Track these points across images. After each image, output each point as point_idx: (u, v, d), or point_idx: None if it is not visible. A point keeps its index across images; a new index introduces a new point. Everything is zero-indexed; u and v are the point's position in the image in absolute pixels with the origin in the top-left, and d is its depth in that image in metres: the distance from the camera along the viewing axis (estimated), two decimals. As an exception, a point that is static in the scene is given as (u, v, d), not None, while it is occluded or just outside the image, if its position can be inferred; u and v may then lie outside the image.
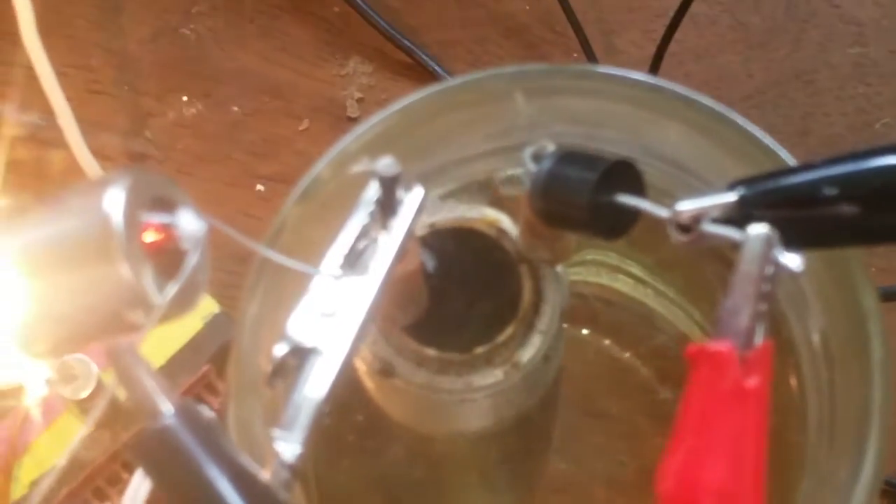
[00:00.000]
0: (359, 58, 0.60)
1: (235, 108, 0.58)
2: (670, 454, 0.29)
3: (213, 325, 0.46)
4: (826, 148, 0.56)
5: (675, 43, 0.55)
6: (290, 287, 0.33)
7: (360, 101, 0.58)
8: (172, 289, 0.28)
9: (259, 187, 0.57)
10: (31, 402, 0.41)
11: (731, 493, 0.28)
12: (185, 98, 0.59)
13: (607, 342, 0.49)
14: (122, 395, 0.44)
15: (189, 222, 0.29)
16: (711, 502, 0.28)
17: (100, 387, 0.43)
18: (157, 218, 0.28)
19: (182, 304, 0.29)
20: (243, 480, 0.27)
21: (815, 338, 0.34)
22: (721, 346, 0.28)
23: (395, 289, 0.34)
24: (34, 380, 0.39)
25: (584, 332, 0.49)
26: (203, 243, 0.29)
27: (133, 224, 0.27)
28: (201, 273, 0.30)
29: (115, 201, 0.27)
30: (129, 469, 0.44)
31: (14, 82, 0.59)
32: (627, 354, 0.49)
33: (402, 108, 0.36)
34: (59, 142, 0.53)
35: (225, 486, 0.27)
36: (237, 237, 0.31)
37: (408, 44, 0.59)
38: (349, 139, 0.36)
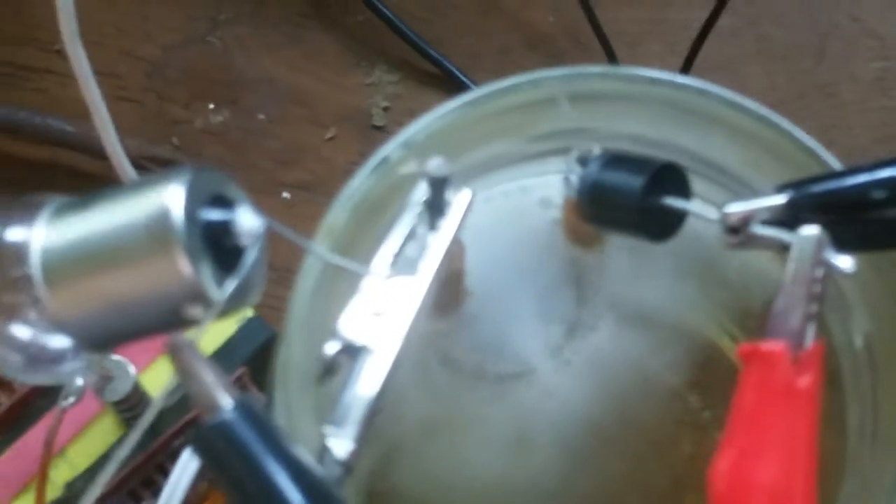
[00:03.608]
0: (385, 67, 0.60)
1: (261, 116, 0.59)
2: (722, 453, 0.29)
3: (248, 329, 0.46)
4: (849, 160, 0.56)
5: (698, 54, 0.55)
6: (339, 287, 0.34)
7: (386, 109, 0.59)
8: (231, 284, 0.28)
9: (285, 195, 0.57)
10: (67, 403, 0.41)
11: (782, 492, 0.28)
12: (211, 105, 0.59)
13: (637, 351, 0.49)
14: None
15: (247, 219, 0.29)
16: (763, 500, 0.28)
17: (136, 389, 0.43)
18: (216, 214, 0.29)
19: (240, 299, 0.29)
20: (302, 475, 0.27)
21: (859, 342, 0.35)
22: (774, 345, 0.29)
23: (438, 289, 0.34)
24: (71, 380, 0.39)
25: (614, 346, 0.49)
26: (261, 239, 0.29)
27: (192, 220, 0.28)
28: (259, 269, 0.30)
29: (175, 197, 0.27)
30: (164, 472, 0.44)
31: (44, 88, 0.59)
32: (656, 362, 0.49)
33: (447, 112, 0.36)
34: (93, 148, 0.53)
35: (284, 480, 0.27)
36: (292, 236, 0.31)
37: (434, 53, 0.59)
38: (393, 145, 0.36)
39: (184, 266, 0.27)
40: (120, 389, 0.42)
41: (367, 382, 0.31)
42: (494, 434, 0.38)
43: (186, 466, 0.42)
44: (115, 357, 0.42)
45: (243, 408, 0.28)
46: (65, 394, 0.42)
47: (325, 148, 0.58)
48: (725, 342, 0.46)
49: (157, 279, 0.28)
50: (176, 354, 0.28)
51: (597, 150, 0.34)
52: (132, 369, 0.42)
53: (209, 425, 0.28)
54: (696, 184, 0.35)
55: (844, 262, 0.29)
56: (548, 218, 0.38)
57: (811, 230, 0.29)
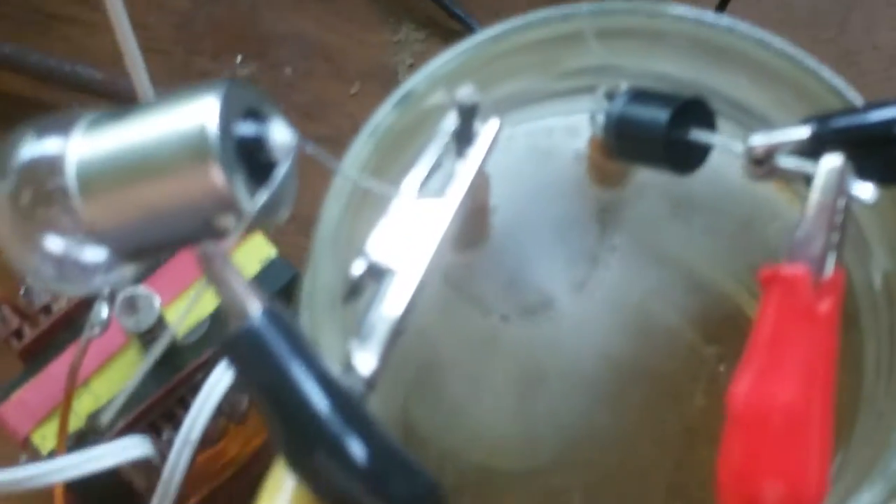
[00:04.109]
0: (412, 25, 0.60)
1: (288, 70, 0.59)
2: (741, 375, 0.29)
3: (271, 270, 0.47)
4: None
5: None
6: (364, 213, 0.34)
7: (411, 66, 0.59)
8: (262, 195, 0.29)
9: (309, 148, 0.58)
10: (92, 333, 0.42)
11: (800, 412, 0.29)
12: (239, 58, 0.60)
13: (656, 298, 0.50)
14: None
15: (280, 133, 0.30)
16: (781, 420, 0.29)
17: (161, 322, 0.43)
18: (250, 128, 0.29)
19: (270, 212, 0.30)
20: (328, 382, 0.28)
21: (878, 281, 0.35)
22: (795, 269, 0.29)
23: (461, 223, 0.35)
24: (103, 291, 0.39)
25: (633, 296, 0.50)
26: (293, 154, 0.30)
27: (227, 132, 0.28)
28: (289, 184, 0.30)
29: (210, 109, 0.28)
30: (185, 405, 0.44)
31: (70, 37, 0.60)
32: (674, 318, 0.50)
33: (472, 45, 0.37)
34: (120, 95, 0.54)
35: (310, 386, 0.28)
36: (322, 157, 0.32)
37: (460, 12, 0.59)
38: (418, 78, 0.37)
39: (218, 177, 0.28)
40: (144, 321, 0.43)
41: (391, 303, 0.31)
42: (514, 367, 0.39)
43: (207, 400, 0.43)
44: (142, 289, 0.43)
45: (272, 315, 0.28)
46: (90, 324, 0.42)
47: (349, 103, 0.59)
48: (745, 299, 0.47)
49: (191, 189, 0.28)
50: (207, 262, 0.29)
51: (623, 86, 0.34)
52: (157, 301, 0.43)
53: (238, 331, 0.28)
54: (722, 125, 0.35)
55: (866, 191, 0.29)
56: (573, 157, 0.38)
57: (834, 160, 0.30)
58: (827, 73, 0.34)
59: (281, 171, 0.29)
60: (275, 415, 0.28)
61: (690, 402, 0.49)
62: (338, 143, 0.60)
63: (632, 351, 0.48)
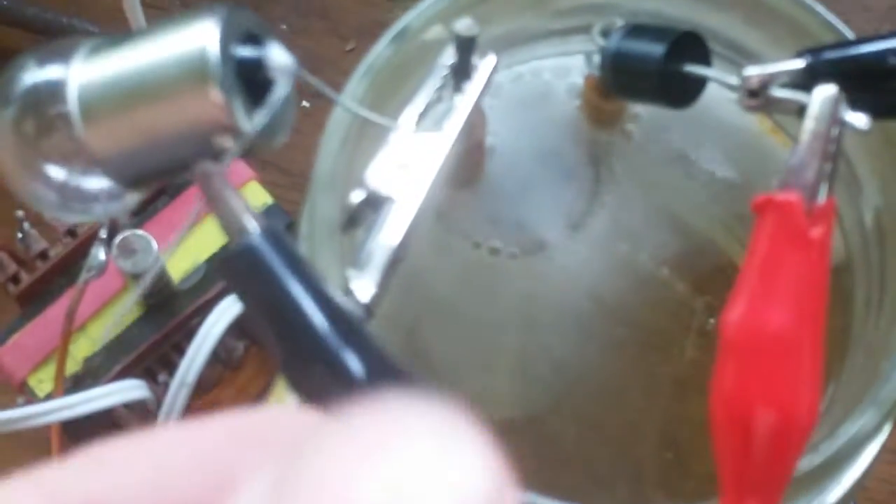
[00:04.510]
0: (407, -18, 0.61)
1: (284, 27, 0.60)
2: (733, 301, 0.30)
3: (267, 216, 0.47)
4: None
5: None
6: (362, 146, 0.34)
7: (406, 24, 0.59)
8: (261, 116, 0.29)
9: (305, 104, 0.58)
10: (89, 275, 0.42)
11: (792, 337, 0.29)
12: (235, 15, 0.60)
13: (645, 257, 0.50)
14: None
15: (278, 55, 0.30)
16: (774, 345, 0.29)
17: (158, 264, 0.44)
18: (249, 50, 0.29)
19: (268, 135, 0.30)
20: (326, 300, 0.28)
21: (868, 219, 0.35)
22: (788, 195, 0.29)
23: (458, 160, 0.35)
24: (105, 218, 0.39)
25: (624, 246, 0.50)
26: (292, 75, 0.30)
27: (226, 54, 0.28)
28: (287, 109, 0.31)
29: (210, 32, 0.28)
30: (180, 351, 0.45)
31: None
32: (665, 270, 0.50)
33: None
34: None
35: (308, 303, 0.28)
36: (316, 83, 0.32)
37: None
38: (413, 13, 0.37)
39: (218, 98, 0.28)
40: (141, 263, 0.43)
41: (390, 230, 0.32)
42: (510, 305, 0.39)
43: (203, 343, 0.43)
44: (140, 232, 0.43)
45: (270, 233, 0.29)
46: (87, 267, 0.43)
47: (345, 60, 0.59)
48: (737, 251, 0.47)
49: (191, 111, 0.28)
50: (205, 181, 0.29)
51: (619, 23, 0.35)
52: (154, 243, 0.43)
53: (236, 249, 0.28)
54: (717, 65, 0.36)
55: (859, 119, 0.30)
56: (568, 97, 0.39)
57: (828, 89, 0.30)
58: (821, 9, 0.35)
59: (280, 92, 0.30)
60: (274, 332, 0.28)
61: (681, 354, 0.49)
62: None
63: (622, 298, 0.48)
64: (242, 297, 0.29)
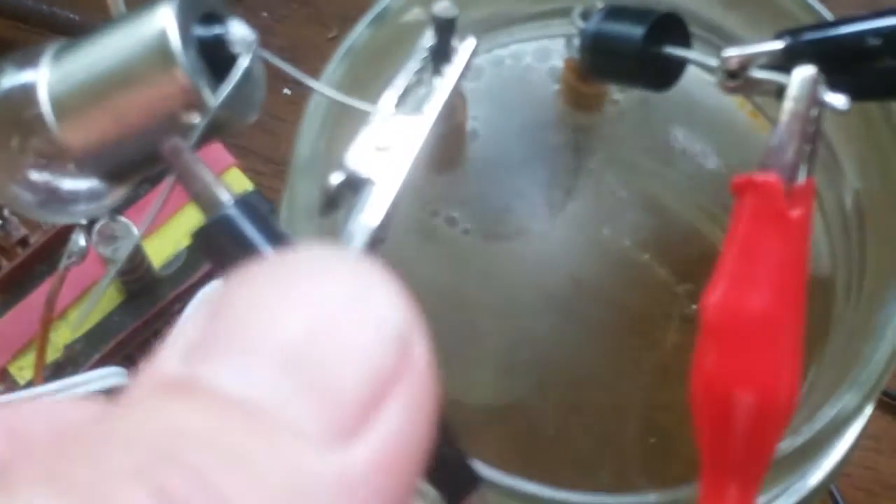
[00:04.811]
0: (389, -31, 0.60)
1: (265, 14, 0.59)
2: (714, 284, 0.30)
3: (248, 202, 0.47)
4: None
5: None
6: (344, 124, 0.34)
7: (388, 11, 0.59)
8: (224, 88, 0.29)
9: (286, 91, 0.58)
10: (69, 262, 0.42)
11: (773, 319, 0.29)
12: (216, 2, 0.59)
13: (626, 242, 0.50)
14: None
15: (238, 30, 0.30)
16: (754, 327, 0.29)
17: (138, 253, 0.44)
18: (209, 29, 0.30)
19: (237, 110, 0.30)
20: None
21: (848, 202, 0.35)
22: (767, 176, 0.29)
23: (438, 144, 0.35)
24: (83, 219, 0.39)
25: (605, 231, 0.50)
26: (253, 48, 0.30)
27: (186, 31, 0.29)
28: (254, 84, 0.31)
29: (167, 14, 0.29)
30: (160, 338, 0.45)
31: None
32: (646, 255, 0.50)
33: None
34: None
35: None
36: (288, 69, 0.32)
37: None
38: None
39: (182, 78, 0.28)
40: (122, 249, 0.43)
41: (369, 212, 0.31)
42: (491, 289, 0.39)
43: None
44: (121, 218, 0.43)
45: (244, 203, 0.28)
46: (67, 253, 0.42)
47: (327, 47, 0.59)
48: (719, 237, 0.47)
49: (158, 94, 0.29)
50: (175, 155, 0.29)
51: (599, 4, 0.35)
52: (135, 229, 0.43)
53: (211, 220, 0.28)
54: (696, 47, 0.36)
55: (838, 100, 0.30)
56: (550, 82, 0.39)
57: (807, 69, 0.30)
58: (805, -7, 0.35)
59: (241, 65, 0.30)
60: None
61: (664, 340, 0.49)
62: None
63: (604, 283, 0.48)
64: (221, 267, 0.29)
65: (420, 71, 0.34)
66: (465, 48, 0.34)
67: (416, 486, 0.15)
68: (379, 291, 0.16)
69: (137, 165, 0.31)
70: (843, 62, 0.31)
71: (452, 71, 0.34)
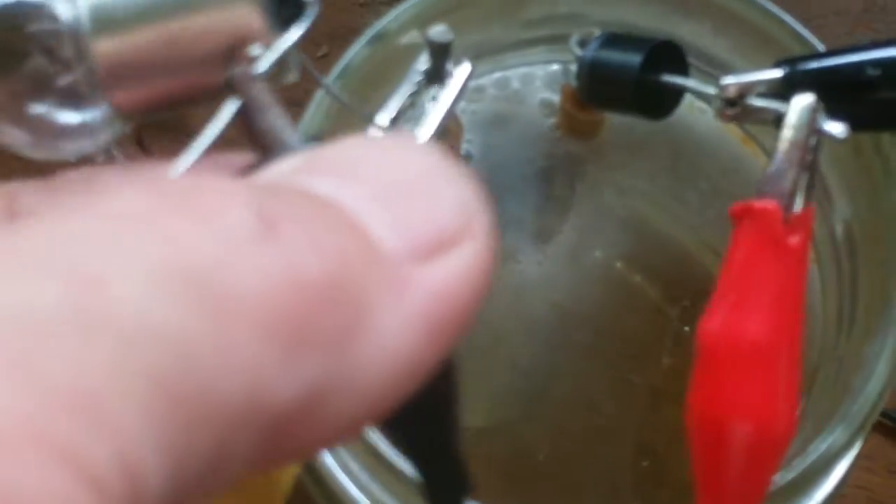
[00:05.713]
0: (377, -12, 0.61)
1: (255, 32, 0.59)
2: (712, 310, 0.30)
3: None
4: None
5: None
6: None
7: (378, 30, 0.59)
8: (298, 31, 0.28)
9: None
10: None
11: (770, 347, 0.29)
12: (204, 21, 0.59)
13: (619, 265, 0.50)
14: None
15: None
16: (752, 355, 0.29)
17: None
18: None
19: (290, 62, 0.29)
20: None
21: (839, 232, 0.35)
22: (766, 203, 0.29)
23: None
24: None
25: (597, 254, 0.50)
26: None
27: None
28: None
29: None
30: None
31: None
32: (638, 277, 0.50)
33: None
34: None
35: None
36: (310, 67, 0.31)
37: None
38: (388, 18, 0.37)
39: (258, 6, 0.27)
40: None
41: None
42: (482, 312, 0.39)
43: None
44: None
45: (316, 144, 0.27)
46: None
47: (317, 65, 0.58)
48: (711, 259, 0.47)
49: (223, 20, 0.26)
50: (245, 84, 0.27)
51: (597, 32, 0.34)
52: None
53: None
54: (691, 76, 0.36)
55: (837, 128, 0.30)
56: (545, 108, 0.39)
57: (806, 98, 0.30)
58: (788, 18, 0.35)
59: (312, 11, 0.28)
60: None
61: (657, 362, 0.49)
62: (303, 103, 0.60)
63: (596, 305, 0.48)
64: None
65: (414, 94, 0.34)
66: (459, 72, 0.34)
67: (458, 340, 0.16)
68: (455, 169, 0.17)
69: (167, 103, 0.28)
70: (841, 92, 0.31)
71: (447, 95, 0.34)
